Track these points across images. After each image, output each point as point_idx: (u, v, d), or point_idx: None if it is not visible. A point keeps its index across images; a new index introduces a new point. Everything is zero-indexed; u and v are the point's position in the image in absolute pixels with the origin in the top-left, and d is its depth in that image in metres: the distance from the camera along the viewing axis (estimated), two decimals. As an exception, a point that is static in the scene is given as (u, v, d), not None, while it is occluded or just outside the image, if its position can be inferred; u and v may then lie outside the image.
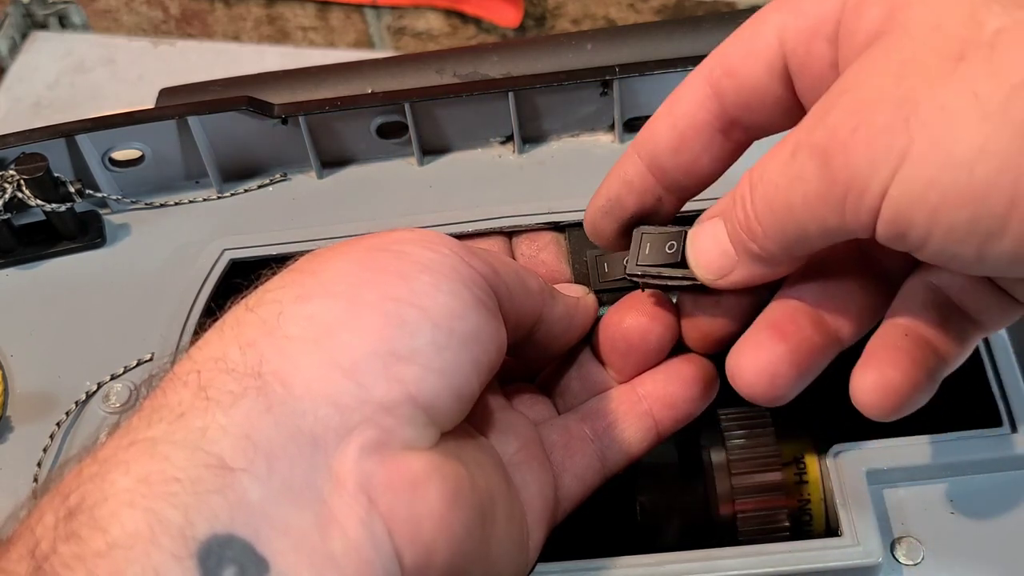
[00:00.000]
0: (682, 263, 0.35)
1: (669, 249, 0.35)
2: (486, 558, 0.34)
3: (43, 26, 0.97)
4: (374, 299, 0.32)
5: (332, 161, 0.56)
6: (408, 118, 0.53)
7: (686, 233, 0.35)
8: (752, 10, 0.35)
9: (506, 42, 0.69)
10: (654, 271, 0.36)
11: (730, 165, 0.36)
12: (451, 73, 0.55)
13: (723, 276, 0.34)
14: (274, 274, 0.35)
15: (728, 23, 0.49)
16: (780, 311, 0.34)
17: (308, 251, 0.36)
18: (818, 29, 0.31)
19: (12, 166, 0.50)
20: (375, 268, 0.33)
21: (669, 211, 0.38)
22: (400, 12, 0.78)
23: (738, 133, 0.35)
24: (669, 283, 0.36)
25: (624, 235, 0.38)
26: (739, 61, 0.34)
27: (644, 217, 0.37)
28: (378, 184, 0.55)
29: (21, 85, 0.91)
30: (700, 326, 0.39)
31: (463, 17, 0.76)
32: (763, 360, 0.33)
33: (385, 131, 0.55)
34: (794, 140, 0.29)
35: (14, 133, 0.52)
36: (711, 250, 0.34)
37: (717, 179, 0.37)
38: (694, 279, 0.35)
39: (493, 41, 0.73)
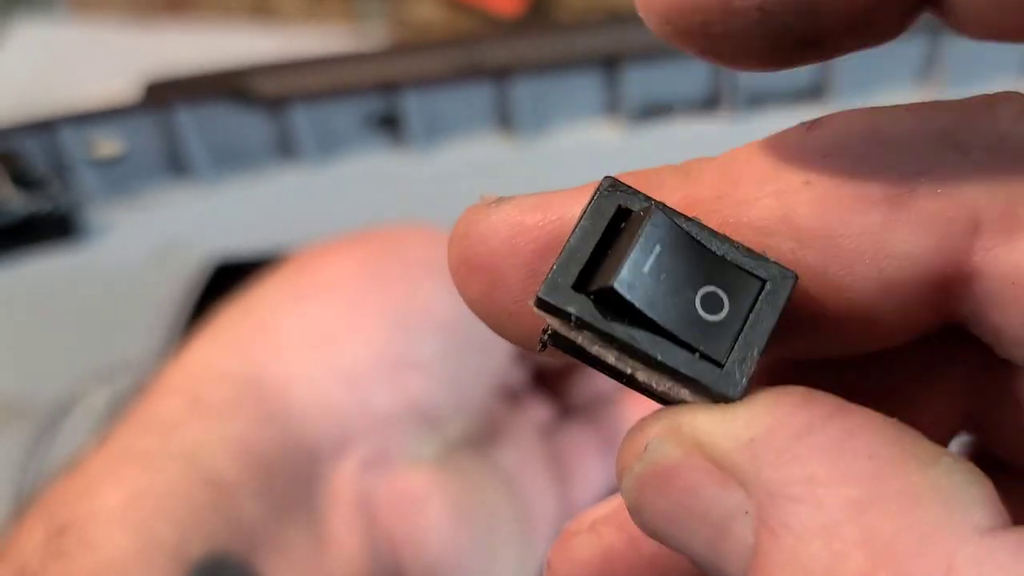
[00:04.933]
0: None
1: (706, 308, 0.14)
2: (490, 572, 0.33)
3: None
4: (376, 303, 0.31)
5: (324, 154, 0.54)
6: (403, 108, 0.52)
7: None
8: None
9: (505, 30, 0.68)
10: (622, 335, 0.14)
11: None
12: (448, 62, 0.54)
13: None
14: (268, 272, 0.34)
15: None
16: None
17: (302, 249, 0.35)
18: None
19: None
20: (377, 269, 0.32)
21: None
22: (397, 1, 0.77)
23: None
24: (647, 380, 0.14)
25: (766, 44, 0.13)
26: None
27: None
28: (374, 177, 0.53)
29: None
30: None
31: (462, 7, 0.76)
32: None
33: (381, 122, 0.54)
34: None
35: (-10, 126, 0.50)
36: None
37: None
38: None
39: (492, 31, 0.72)
